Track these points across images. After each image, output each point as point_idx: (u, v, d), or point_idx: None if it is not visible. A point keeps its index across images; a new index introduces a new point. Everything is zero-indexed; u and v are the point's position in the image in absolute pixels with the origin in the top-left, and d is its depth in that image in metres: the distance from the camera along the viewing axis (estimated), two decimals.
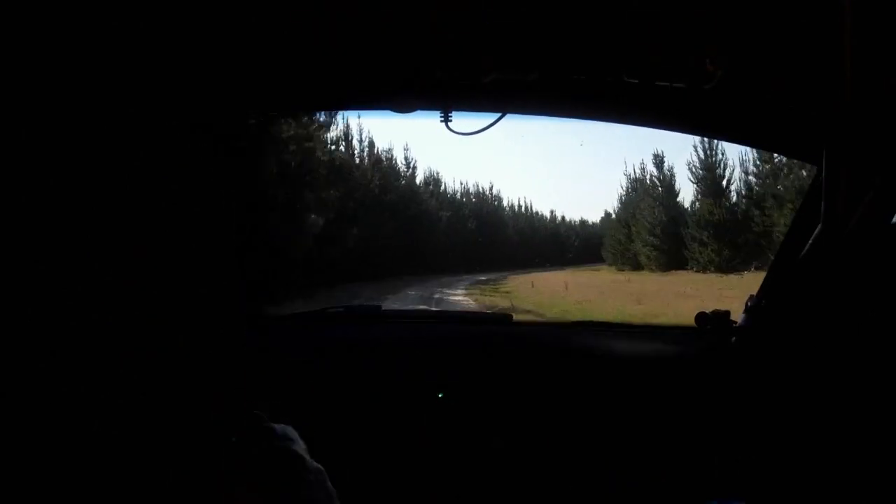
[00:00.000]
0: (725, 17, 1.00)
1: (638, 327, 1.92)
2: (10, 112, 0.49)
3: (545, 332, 1.93)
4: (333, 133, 12.35)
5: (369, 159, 14.36)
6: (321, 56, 1.18)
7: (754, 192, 13.22)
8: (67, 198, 0.50)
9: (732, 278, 12.15)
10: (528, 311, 9.53)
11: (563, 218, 20.41)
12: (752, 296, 1.56)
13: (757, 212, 12.77)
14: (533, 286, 13.63)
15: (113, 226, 0.52)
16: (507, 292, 13.25)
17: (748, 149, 13.54)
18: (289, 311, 1.82)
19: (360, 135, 14.27)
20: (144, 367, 0.54)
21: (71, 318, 0.50)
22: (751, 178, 13.48)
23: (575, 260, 18.07)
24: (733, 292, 9.38)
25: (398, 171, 15.52)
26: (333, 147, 12.28)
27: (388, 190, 14.53)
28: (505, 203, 19.36)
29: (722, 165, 13.61)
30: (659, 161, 14.77)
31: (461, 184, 22.50)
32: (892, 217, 1.09)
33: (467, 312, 2.63)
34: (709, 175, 13.78)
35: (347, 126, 13.66)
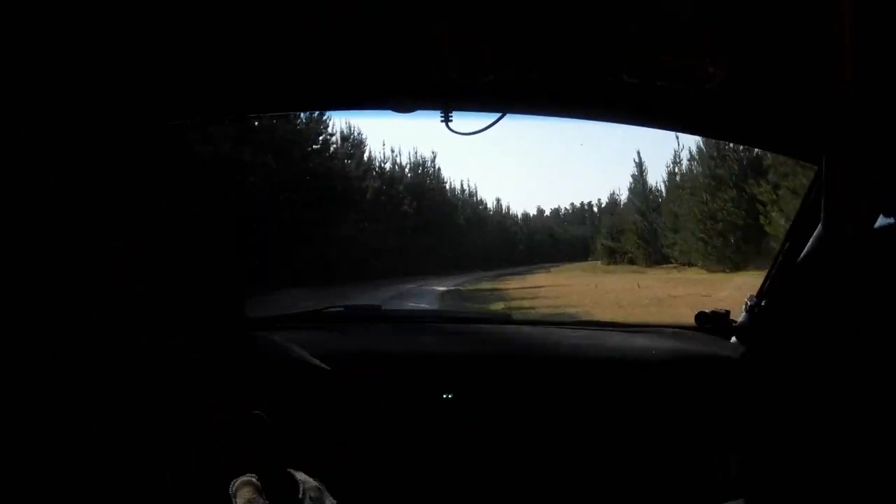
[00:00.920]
0: (726, 17, 1.00)
1: (638, 327, 1.92)
2: (9, 112, 0.49)
3: (545, 331, 1.93)
4: None
5: None
6: (321, 56, 1.18)
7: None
8: (68, 199, 0.50)
9: None
10: None
11: (508, 209, 16.35)
12: (751, 296, 1.56)
13: None
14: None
15: (113, 227, 0.52)
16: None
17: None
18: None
19: None
20: (144, 367, 0.54)
21: (71, 318, 0.50)
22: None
23: (526, 258, 14.41)
24: None
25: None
26: None
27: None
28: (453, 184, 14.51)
29: None
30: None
31: (392, 150, 15.71)
32: (892, 217, 1.09)
33: (468, 312, 2.63)
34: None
35: None
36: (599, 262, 14.63)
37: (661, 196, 13.58)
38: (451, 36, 1.07)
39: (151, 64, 0.74)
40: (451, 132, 1.34)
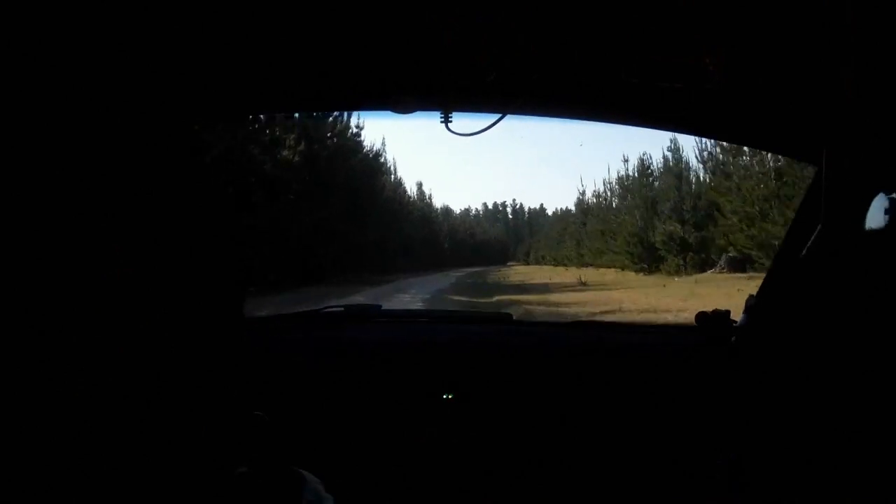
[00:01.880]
0: (726, 16, 1.00)
1: (638, 327, 1.92)
2: (9, 112, 0.49)
3: (546, 331, 1.93)
4: None
5: None
6: (321, 56, 1.18)
7: None
8: (67, 198, 0.50)
9: None
10: None
11: (430, 197, 14.97)
12: (751, 296, 1.56)
13: None
14: None
15: (110, 225, 0.52)
16: None
17: None
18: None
19: None
20: (143, 367, 0.54)
21: (70, 318, 0.50)
22: None
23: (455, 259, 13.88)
24: None
25: None
26: None
27: None
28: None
29: None
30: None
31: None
32: (892, 217, 1.09)
33: (468, 312, 2.63)
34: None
35: None
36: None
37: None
38: (451, 36, 1.07)
39: (151, 64, 0.74)
40: (451, 132, 1.34)
